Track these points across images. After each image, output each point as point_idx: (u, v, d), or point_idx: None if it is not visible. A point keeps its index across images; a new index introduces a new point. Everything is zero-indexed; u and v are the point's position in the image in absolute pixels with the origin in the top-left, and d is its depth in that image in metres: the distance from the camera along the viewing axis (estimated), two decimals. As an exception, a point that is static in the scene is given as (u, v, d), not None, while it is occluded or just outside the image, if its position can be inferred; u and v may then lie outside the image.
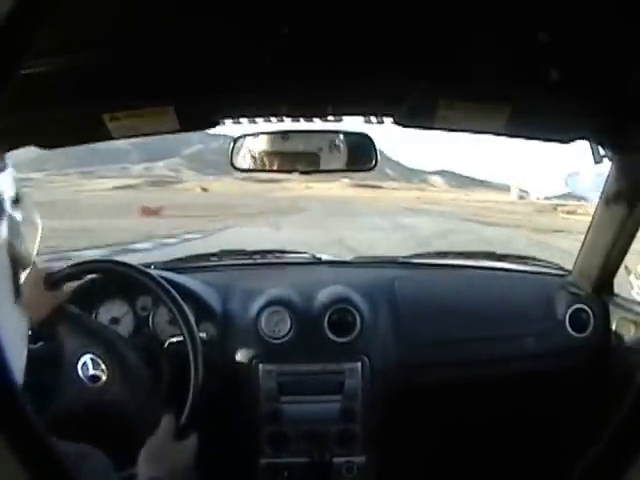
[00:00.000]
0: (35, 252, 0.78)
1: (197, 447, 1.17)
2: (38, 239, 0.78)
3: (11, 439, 0.43)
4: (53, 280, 1.22)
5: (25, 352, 0.68)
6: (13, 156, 1.15)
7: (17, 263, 0.64)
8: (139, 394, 1.24)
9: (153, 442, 1.07)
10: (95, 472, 0.63)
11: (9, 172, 0.63)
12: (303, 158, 1.43)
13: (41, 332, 1.25)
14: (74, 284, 1.45)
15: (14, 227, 0.62)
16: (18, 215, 0.63)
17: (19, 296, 0.64)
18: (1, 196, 0.60)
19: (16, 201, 0.64)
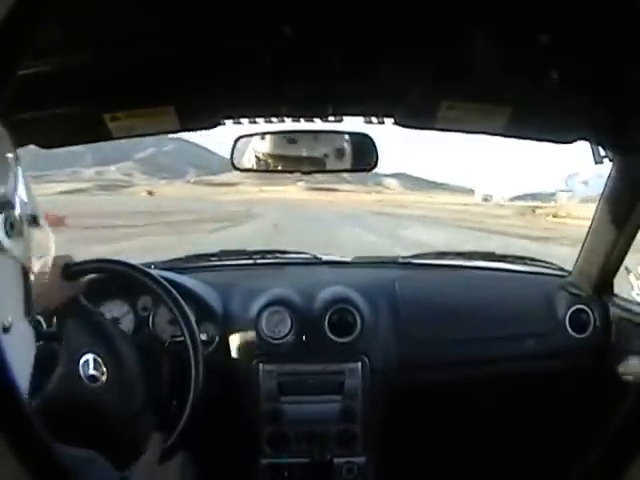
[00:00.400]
0: (50, 264, 0.79)
1: (184, 468, 1.16)
2: (53, 252, 0.78)
3: (13, 441, 0.43)
4: (72, 271, 1.22)
5: (32, 361, 0.68)
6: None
7: (29, 275, 0.65)
8: (134, 403, 1.23)
9: (140, 464, 1.07)
10: (100, 477, 0.63)
11: (24, 186, 0.63)
12: (308, 162, 1.43)
13: (46, 327, 1.25)
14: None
15: (29, 241, 0.63)
16: (34, 230, 0.64)
17: (30, 307, 0.65)
18: (19, 212, 0.60)
19: (34, 220, 0.64)
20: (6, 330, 0.59)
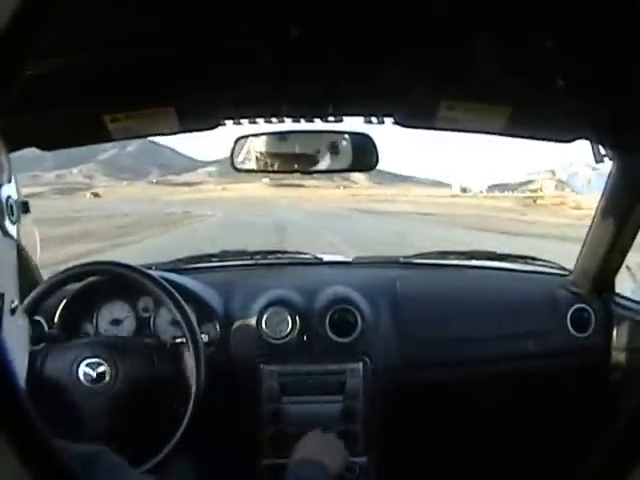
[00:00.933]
0: (38, 256, 0.79)
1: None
2: (39, 246, 0.79)
3: (15, 441, 0.43)
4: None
5: (27, 355, 0.69)
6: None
7: (22, 267, 0.65)
8: (146, 364, 1.25)
9: None
10: (105, 472, 0.63)
11: (13, 178, 0.64)
12: (300, 160, 1.42)
13: (47, 329, 1.27)
14: (75, 286, 1.45)
15: (21, 233, 0.64)
16: (24, 222, 0.66)
17: (22, 297, 0.66)
18: (13, 201, 0.62)
19: (25, 208, 0.66)
20: (13, 312, 0.60)
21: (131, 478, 0.67)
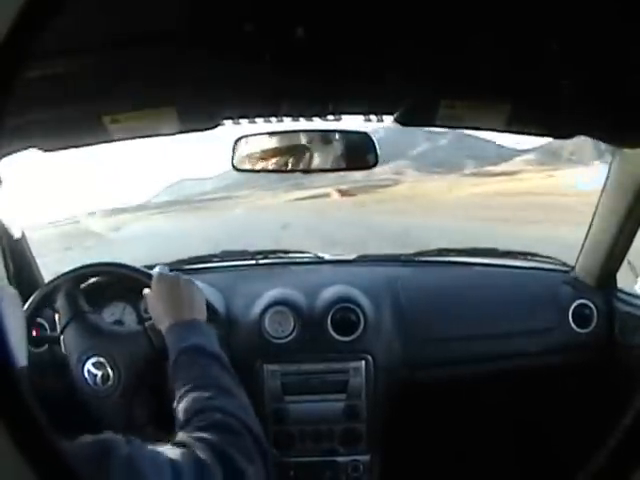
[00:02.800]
0: (20, 233, 0.79)
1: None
2: (20, 220, 0.79)
3: (17, 439, 0.43)
4: None
5: (25, 337, 0.68)
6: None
7: (6, 243, 0.65)
8: (145, 346, 1.26)
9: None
10: (121, 464, 0.62)
11: None
12: (294, 150, 1.41)
13: (50, 331, 1.28)
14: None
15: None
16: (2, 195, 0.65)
17: (24, 300, 0.65)
18: None
19: None
20: None
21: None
